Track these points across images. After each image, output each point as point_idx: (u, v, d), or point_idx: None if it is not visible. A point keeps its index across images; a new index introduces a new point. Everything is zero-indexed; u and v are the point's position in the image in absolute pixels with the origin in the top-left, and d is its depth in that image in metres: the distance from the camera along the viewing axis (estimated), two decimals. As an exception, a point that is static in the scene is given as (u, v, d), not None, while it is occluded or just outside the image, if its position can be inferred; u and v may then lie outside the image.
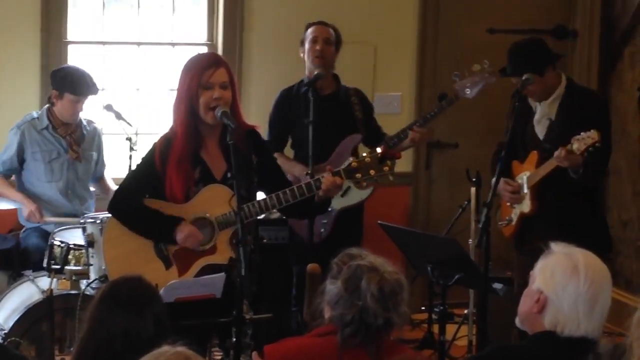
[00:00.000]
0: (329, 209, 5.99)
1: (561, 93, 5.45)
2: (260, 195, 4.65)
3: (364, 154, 4.49)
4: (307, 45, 6.21)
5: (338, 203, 6.05)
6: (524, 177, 5.48)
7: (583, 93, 5.63)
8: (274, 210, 4.96)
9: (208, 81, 4.47)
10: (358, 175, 4.47)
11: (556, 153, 5.19)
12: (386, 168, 4.46)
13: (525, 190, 5.47)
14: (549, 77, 5.43)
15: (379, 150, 4.46)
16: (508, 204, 5.60)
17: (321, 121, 5.84)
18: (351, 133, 6.15)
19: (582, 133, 5.08)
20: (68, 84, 6.01)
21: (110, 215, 4.69)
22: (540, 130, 5.49)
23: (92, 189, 6.34)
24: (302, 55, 6.26)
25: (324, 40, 6.18)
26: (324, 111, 5.95)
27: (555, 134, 5.39)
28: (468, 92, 6.05)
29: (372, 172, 4.45)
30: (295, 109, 6.14)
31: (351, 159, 4.51)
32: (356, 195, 6.11)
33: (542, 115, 5.49)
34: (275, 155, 6.12)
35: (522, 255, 5.50)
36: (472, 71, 6.05)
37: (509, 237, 5.66)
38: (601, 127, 5.16)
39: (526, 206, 5.48)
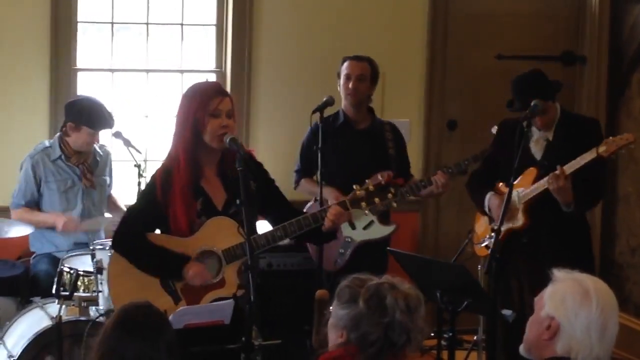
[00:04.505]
0: (348, 240, 6.01)
1: (557, 117, 5.67)
2: (261, 222, 4.72)
3: (367, 181, 4.51)
4: (341, 81, 6.20)
5: (358, 235, 6.05)
6: (515, 195, 5.55)
7: (577, 116, 6.03)
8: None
9: (216, 108, 4.45)
10: (363, 204, 4.50)
11: (550, 175, 5.38)
12: (390, 195, 4.50)
13: (518, 206, 5.59)
14: (554, 106, 5.66)
15: (380, 177, 4.49)
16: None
17: (354, 155, 5.88)
18: (382, 169, 6.08)
19: (610, 138, 5.37)
20: (86, 118, 5.98)
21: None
22: (538, 151, 5.68)
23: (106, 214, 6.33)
24: (338, 88, 6.25)
25: (356, 78, 6.15)
26: (358, 145, 5.99)
27: (553, 153, 5.60)
28: None
29: (376, 199, 4.50)
30: (330, 138, 5.99)
31: (355, 187, 4.52)
32: (378, 231, 6.09)
33: (540, 137, 5.68)
34: (304, 180, 6.19)
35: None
36: None
37: (484, 257, 5.69)
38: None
39: (518, 220, 5.61)
